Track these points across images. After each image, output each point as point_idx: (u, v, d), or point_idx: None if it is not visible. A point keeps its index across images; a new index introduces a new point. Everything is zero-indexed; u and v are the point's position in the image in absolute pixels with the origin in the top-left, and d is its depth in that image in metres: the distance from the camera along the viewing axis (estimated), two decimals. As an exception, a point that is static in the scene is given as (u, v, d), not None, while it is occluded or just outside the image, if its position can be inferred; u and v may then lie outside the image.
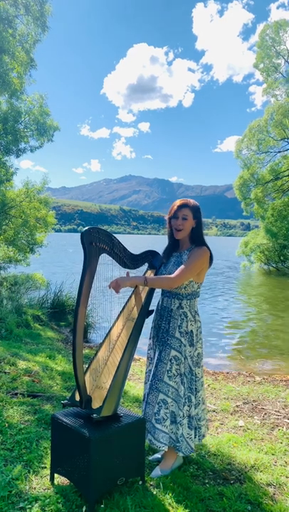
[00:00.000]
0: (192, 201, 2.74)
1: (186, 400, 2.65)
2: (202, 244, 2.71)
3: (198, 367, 2.76)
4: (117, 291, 2.46)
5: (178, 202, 2.75)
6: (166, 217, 2.81)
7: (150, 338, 2.88)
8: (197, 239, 2.74)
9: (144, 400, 2.80)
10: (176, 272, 2.57)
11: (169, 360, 2.65)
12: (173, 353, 2.65)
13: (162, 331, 2.73)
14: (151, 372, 2.72)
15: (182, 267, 2.59)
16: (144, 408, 2.72)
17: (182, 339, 2.65)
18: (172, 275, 2.58)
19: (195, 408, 2.73)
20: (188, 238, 2.77)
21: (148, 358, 2.89)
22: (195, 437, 2.75)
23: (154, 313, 2.85)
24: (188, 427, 2.66)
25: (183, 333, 2.66)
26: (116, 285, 2.44)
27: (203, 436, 2.85)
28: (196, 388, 2.72)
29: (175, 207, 2.72)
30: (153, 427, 2.63)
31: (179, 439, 2.61)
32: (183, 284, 2.62)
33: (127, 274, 2.70)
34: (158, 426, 2.62)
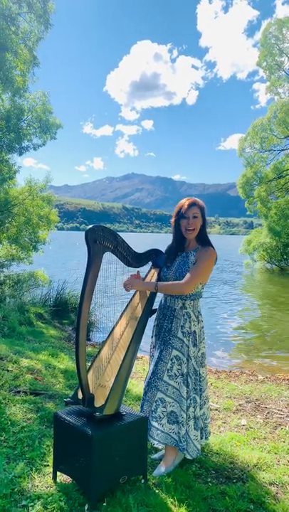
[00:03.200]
0: (199, 200, 2.72)
1: (192, 402, 2.63)
2: (208, 244, 2.69)
3: (203, 366, 2.76)
4: (128, 290, 2.63)
5: (186, 201, 2.68)
6: (172, 219, 2.75)
7: (152, 337, 2.88)
8: (203, 238, 2.72)
9: (142, 396, 2.79)
10: (186, 279, 2.54)
11: (170, 359, 2.64)
12: (174, 352, 2.64)
13: (164, 330, 2.72)
14: (152, 371, 2.71)
15: (191, 272, 2.56)
16: (142, 405, 2.72)
17: (185, 339, 2.64)
18: (182, 281, 2.55)
19: (200, 409, 2.72)
20: (195, 238, 2.74)
21: (150, 356, 2.89)
22: (202, 438, 2.75)
23: (156, 312, 2.85)
24: (195, 428, 2.65)
25: (186, 334, 2.65)
26: (129, 285, 2.61)
27: (208, 434, 2.86)
28: (200, 388, 2.72)
29: (185, 206, 2.66)
30: (149, 424, 2.62)
31: (182, 439, 2.60)
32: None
33: (138, 273, 2.71)
34: (154, 424, 2.63)
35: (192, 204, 2.67)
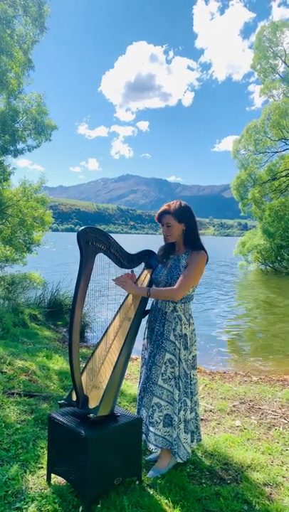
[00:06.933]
0: (174, 205, 2.64)
1: (182, 404, 2.63)
2: (199, 248, 2.65)
3: (194, 369, 2.75)
4: (118, 284, 2.65)
5: (161, 208, 2.68)
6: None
7: (144, 339, 2.88)
8: (192, 242, 2.67)
9: (138, 401, 2.79)
10: (178, 284, 2.54)
11: (163, 363, 2.63)
12: (168, 356, 2.64)
13: (156, 333, 2.71)
14: (146, 375, 2.70)
15: (183, 278, 2.55)
16: (138, 410, 2.72)
17: (177, 342, 2.63)
18: (175, 288, 2.54)
19: (191, 412, 2.71)
20: (181, 241, 2.71)
21: (142, 358, 2.88)
22: (192, 442, 2.75)
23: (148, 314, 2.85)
24: (185, 431, 2.65)
25: (177, 337, 2.64)
26: (121, 284, 2.63)
27: (200, 440, 2.85)
28: (191, 392, 2.71)
29: (157, 214, 2.68)
30: (146, 429, 2.63)
31: (173, 442, 2.60)
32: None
33: (132, 272, 2.71)
34: (151, 429, 2.62)
35: (163, 213, 2.65)
